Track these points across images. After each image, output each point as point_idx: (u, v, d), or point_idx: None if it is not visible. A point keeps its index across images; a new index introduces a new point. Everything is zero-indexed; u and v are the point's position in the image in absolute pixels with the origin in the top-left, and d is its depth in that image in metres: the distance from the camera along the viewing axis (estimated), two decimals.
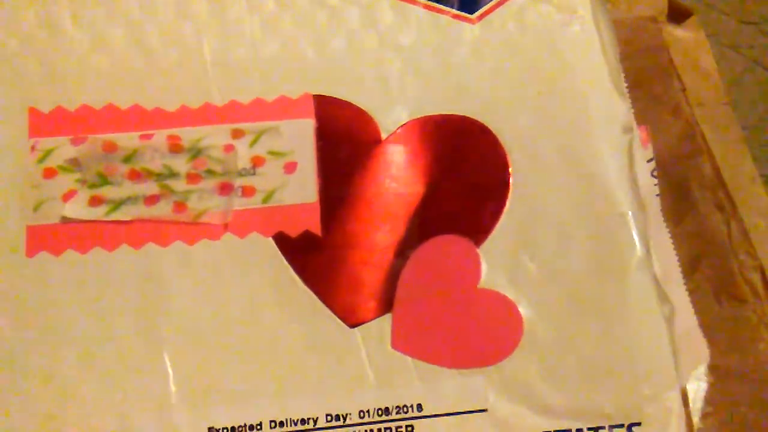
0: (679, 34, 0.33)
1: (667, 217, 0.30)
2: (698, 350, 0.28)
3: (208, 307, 0.25)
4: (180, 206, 0.26)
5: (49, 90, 0.27)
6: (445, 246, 0.26)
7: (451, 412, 0.24)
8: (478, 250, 0.25)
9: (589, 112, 0.27)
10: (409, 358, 0.25)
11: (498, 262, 0.25)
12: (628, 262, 0.25)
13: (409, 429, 0.24)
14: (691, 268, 0.30)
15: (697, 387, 0.28)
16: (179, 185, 0.26)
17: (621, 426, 0.24)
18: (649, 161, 0.30)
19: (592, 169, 0.26)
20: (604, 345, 0.24)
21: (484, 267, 0.25)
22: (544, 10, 0.28)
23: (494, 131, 0.27)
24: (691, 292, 0.29)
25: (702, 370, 0.28)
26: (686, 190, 0.31)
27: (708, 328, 0.28)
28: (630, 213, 0.25)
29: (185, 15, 0.28)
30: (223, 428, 0.24)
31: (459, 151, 0.27)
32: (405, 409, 0.24)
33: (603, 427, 0.24)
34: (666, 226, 0.29)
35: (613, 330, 0.24)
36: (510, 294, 0.25)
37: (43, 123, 0.27)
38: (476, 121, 0.27)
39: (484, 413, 0.24)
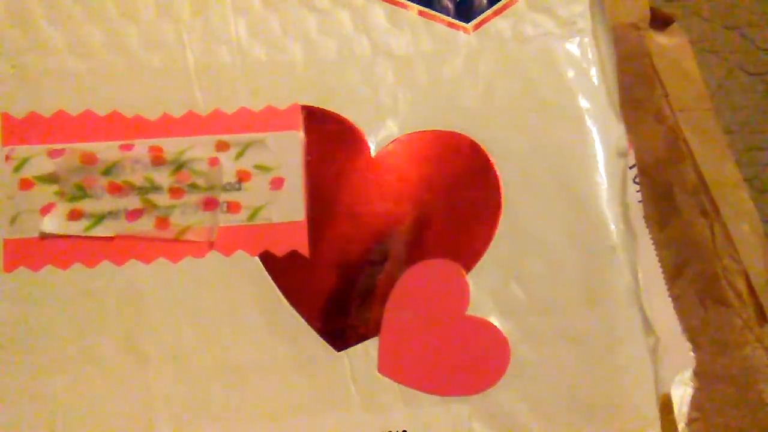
0: (662, 40, 0.33)
1: (651, 222, 0.29)
2: (683, 355, 0.28)
3: (192, 327, 0.25)
4: (163, 222, 0.26)
5: (23, 94, 0.26)
6: (433, 270, 0.26)
7: None
8: (468, 276, 0.25)
9: (585, 134, 0.26)
10: (395, 383, 0.25)
11: (487, 287, 0.25)
12: (616, 294, 0.25)
13: None
14: (675, 273, 0.30)
15: (683, 392, 0.28)
16: (162, 200, 0.26)
17: None
18: (631, 167, 0.30)
19: (586, 195, 0.26)
20: (590, 377, 0.25)
21: (472, 292, 0.25)
22: (543, 21, 0.27)
23: (487, 151, 0.27)
24: (676, 297, 0.29)
25: (687, 375, 0.28)
26: (670, 196, 0.30)
27: (693, 333, 0.28)
28: (620, 246, 0.25)
29: (166, 15, 0.27)
30: None
31: (450, 170, 0.27)
32: None
33: None
34: (648, 232, 0.29)
35: (600, 362, 0.25)
36: (498, 321, 0.25)
37: (16, 129, 0.26)
38: (468, 140, 0.27)
39: None
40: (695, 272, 0.29)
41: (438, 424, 0.24)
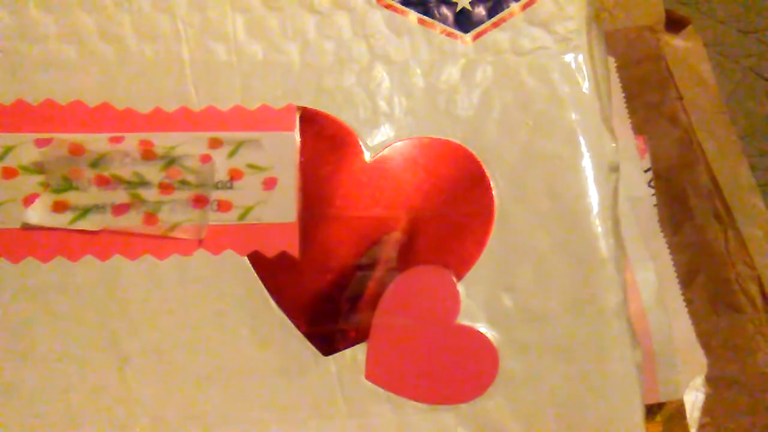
0: (677, 43, 0.34)
1: (665, 226, 0.30)
2: (696, 361, 0.29)
3: (176, 327, 0.25)
4: (151, 218, 0.26)
5: (10, 81, 0.26)
6: (425, 277, 0.26)
7: None
8: (458, 284, 0.26)
9: (578, 148, 0.27)
10: (382, 390, 0.25)
11: (477, 296, 0.26)
12: (604, 306, 0.26)
13: None
14: (688, 278, 0.31)
15: (695, 397, 0.29)
16: (151, 195, 0.26)
17: None
18: (646, 171, 0.31)
19: (577, 208, 0.27)
20: (577, 388, 0.25)
21: (462, 301, 0.26)
22: (540, 36, 0.28)
23: (480, 160, 0.27)
24: (689, 302, 0.30)
25: (699, 380, 0.29)
26: (683, 200, 0.31)
27: (705, 338, 0.29)
28: (611, 259, 0.26)
29: (163, 7, 0.27)
30: None
31: (444, 178, 0.27)
32: None
33: None
34: (663, 236, 0.30)
35: (587, 374, 0.25)
36: (487, 330, 0.25)
37: (2, 116, 0.26)
38: (463, 149, 0.27)
39: None
40: (708, 277, 0.30)
41: None
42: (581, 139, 0.27)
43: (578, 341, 0.25)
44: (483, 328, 0.26)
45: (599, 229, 0.26)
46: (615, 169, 0.27)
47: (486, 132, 0.27)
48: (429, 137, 0.27)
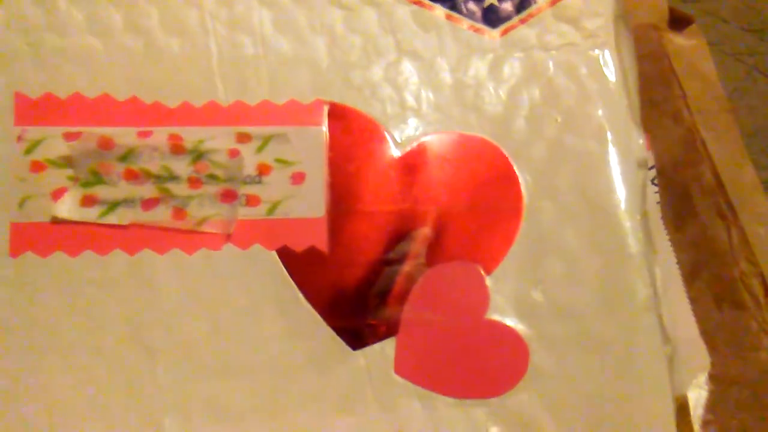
0: (680, 41, 0.34)
1: (668, 224, 0.30)
2: (699, 358, 0.29)
3: (204, 321, 0.25)
4: (179, 212, 0.26)
5: (38, 73, 0.26)
6: (454, 272, 0.26)
7: None
8: (487, 279, 0.26)
9: (606, 144, 0.27)
10: (411, 384, 0.25)
11: (506, 291, 0.26)
12: (635, 302, 0.26)
13: None
14: (691, 275, 0.30)
15: (698, 395, 0.29)
16: (179, 189, 0.26)
17: None
18: (650, 169, 0.30)
19: (606, 203, 0.27)
20: (607, 384, 0.25)
21: (492, 296, 0.26)
22: (567, 32, 0.28)
23: (509, 156, 0.27)
24: (692, 299, 0.30)
25: (702, 378, 0.29)
26: (687, 198, 0.31)
27: (709, 335, 0.29)
28: (640, 254, 0.26)
29: (191, 1, 0.27)
30: None
31: (473, 173, 0.27)
32: None
33: None
34: (666, 233, 0.30)
35: (617, 369, 0.25)
36: (516, 325, 0.26)
37: (30, 110, 0.26)
38: (491, 144, 0.27)
39: None
40: (712, 275, 0.30)
41: (454, 427, 0.25)
42: (609, 134, 0.27)
43: (608, 336, 0.25)
44: (512, 323, 0.26)
45: (628, 224, 0.26)
46: (644, 164, 0.27)
47: (514, 128, 0.27)
48: (457, 132, 0.27)
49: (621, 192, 0.27)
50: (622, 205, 0.26)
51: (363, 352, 0.25)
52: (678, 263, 0.30)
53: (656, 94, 0.33)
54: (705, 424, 0.28)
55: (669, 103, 0.33)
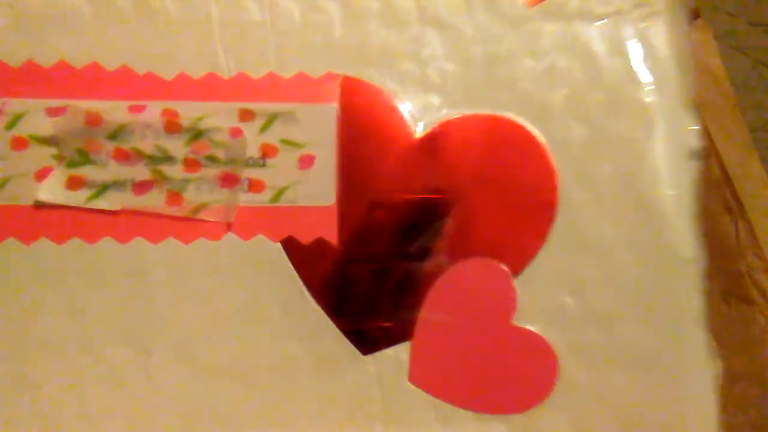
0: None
1: None
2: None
3: (202, 318, 0.23)
4: (175, 197, 0.23)
5: (20, 39, 0.24)
6: (478, 271, 0.23)
7: None
8: (515, 280, 0.23)
9: (654, 130, 0.24)
10: (426, 395, 0.23)
11: (536, 294, 0.24)
12: (682, 312, 0.23)
13: None
14: None
15: None
16: (175, 172, 0.23)
17: None
18: None
19: (652, 199, 0.24)
20: (646, 403, 0.23)
21: (519, 299, 0.23)
22: None
23: (543, 140, 0.24)
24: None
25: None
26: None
27: (716, 329, 0.27)
28: (691, 260, 0.23)
29: None
30: None
31: (502, 160, 0.24)
32: None
33: None
34: None
35: (658, 388, 0.23)
36: (546, 333, 0.23)
37: (11, 79, 0.24)
38: (523, 127, 0.24)
39: None
40: (719, 269, 0.29)
41: None
42: (658, 121, 0.24)
43: (649, 349, 0.23)
44: (542, 331, 0.23)
45: (677, 223, 0.23)
46: (698, 155, 0.24)
47: (550, 109, 0.24)
48: (486, 114, 0.24)
49: (670, 186, 0.24)
50: (671, 201, 0.23)
51: (374, 357, 0.23)
52: None
53: None
54: None
55: None
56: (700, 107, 0.30)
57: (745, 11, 0.39)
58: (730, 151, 0.30)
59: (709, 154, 0.29)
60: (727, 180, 0.30)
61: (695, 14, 0.31)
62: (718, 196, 0.29)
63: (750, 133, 0.31)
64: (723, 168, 0.30)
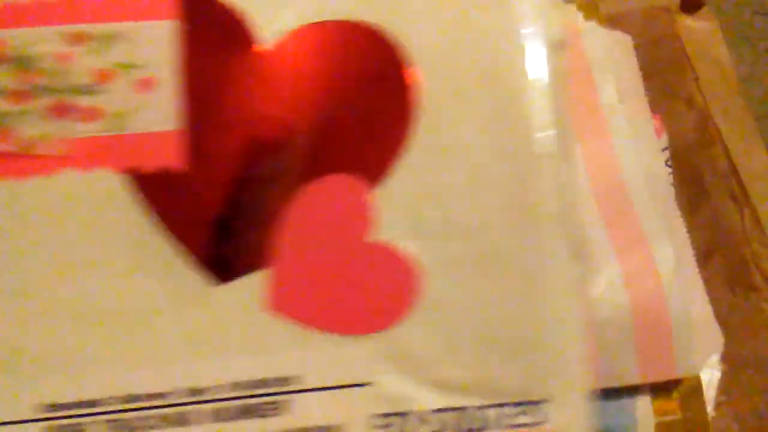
0: (692, 24, 0.34)
1: (681, 206, 0.30)
2: (712, 338, 0.29)
3: (41, 260, 0.22)
4: (4, 132, 0.22)
5: None
6: (332, 188, 0.22)
7: (331, 385, 0.21)
8: (374, 193, 0.22)
9: (515, 23, 0.22)
10: (286, 322, 0.21)
11: (396, 206, 0.22)
12: (541, 211, 0.22)
13: (280, 404, 0.21)
14: (704, 257, 0.31)
15: (711, 376, 0.29)
16: (2, 105, 0.22)
17: (524, 404, 0.21)
18: (663, 150, 0.31)
19: (513, 96, 0.22)
20: (511, 310, 0.22)
21: (380, 212, 0.22)
22: None
23: (402, 44, 0.22)
24: (705, 281, 0.29)
25: (715, 359, 0.29)
26: (700, 180, 0.32)
27: (721, 317, 0.29)
28: (547, 154, 0.22)
29: None
30: (58, 404, 0.21)
31: (356, 68, 0.23)
32: (278, 382, 0.21)
33: (505, 404, 0.21)
34: (682, 215, 0.30)
35: (521, 293, 0.22)
36: (408, 247, 0.22)
37: None
38: (378, 32, 0.23)
39: (368, 387, 0.21)
40: (724, 257, 0.31)
41: (336, 367, 0.21)
42: (519, 10, 0.22)
43: (512, 254, 0.22)
44: (405, 243, 0.22)
45: (535, 117, 0.22)
46: (558, 46, 0.22)
47: (407, 8, 0.23)
48: (338, 20, 0.23)
49: (530, 80, 0.22)
50: (531, 95, 0.22)
51: (232, 286, 0.22)
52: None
53: (669, 78, 0.33)
54: (718, 405, 0.29)
55: (681, 87, 0.33)
56: (705, 96, 0.30)
57: (751, 1, 0.39)
58: (735, 140, 0.31)
59: (714, 143, 0.31)
60: (733, 168, 0.31)
61: (700, 2, 0.33)
62: (723, 184, 0.31)
63: (755, 121, 0.32)
64: (728, 156, 0.31)
